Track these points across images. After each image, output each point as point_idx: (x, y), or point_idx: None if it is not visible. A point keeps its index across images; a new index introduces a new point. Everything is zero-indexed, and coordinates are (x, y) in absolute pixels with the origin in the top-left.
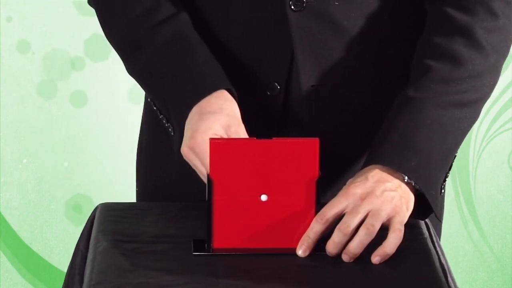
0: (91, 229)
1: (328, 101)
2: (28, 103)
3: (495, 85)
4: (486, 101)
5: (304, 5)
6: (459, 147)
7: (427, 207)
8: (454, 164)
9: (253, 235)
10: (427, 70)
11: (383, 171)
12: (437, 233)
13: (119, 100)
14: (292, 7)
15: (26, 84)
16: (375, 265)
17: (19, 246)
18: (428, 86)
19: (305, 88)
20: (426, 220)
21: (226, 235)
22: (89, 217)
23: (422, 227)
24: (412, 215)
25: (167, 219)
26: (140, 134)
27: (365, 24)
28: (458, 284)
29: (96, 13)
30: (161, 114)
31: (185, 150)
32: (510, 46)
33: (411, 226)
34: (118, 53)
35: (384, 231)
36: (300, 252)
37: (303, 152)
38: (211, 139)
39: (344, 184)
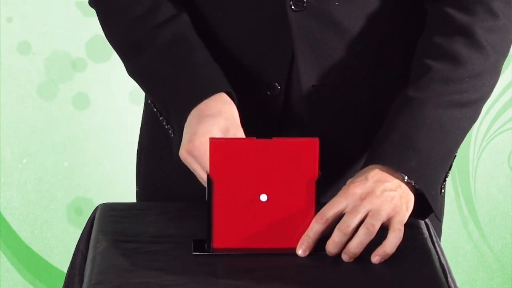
0: (91, 229)
1: (328, 101)
2: (28, 103)
3: (495, 85)
4: (486, 101)
5: (305, 5)
6: (459, 147)
7: (427, 207)
8: (454, 164)
9: (253, 235)
10: (427, 70)
11: (383, 171)
12: (437, 233)
13: (119, 101)
14: (293, 7)
15: (26, 84)
16: (375, 265)
17: (19, 246)
18: (428, 86)
19: (305, 88)
20: (426, 220)
21: (226, 235)
22: (89, 217)
23: (422, 227)
24: (412, 215)
25: (167, 219)
26: (140, 135)
27: (365, 24)
28: (458, 284)
29: (97, 14)
30: (161, 115)
31: (183, 153)
32: (510, 46)
33: (411, 226)
34: (118, 54)
35: (384, 231)
36: (300, 252)
37: (303, 152)
38: (211, 139)
39: (344, 184)
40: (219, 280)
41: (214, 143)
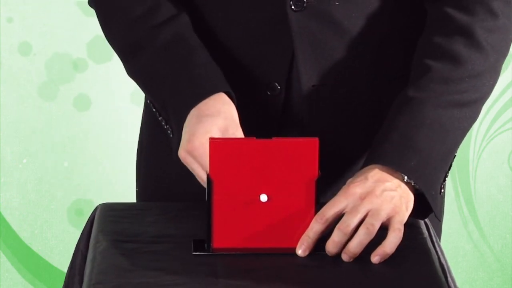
0: (91, 229)
1: (328, 101)
2: (28, 103)
3: (494, 85)
4: (486, 101)
5: (305, 5)
6: (458, 147)
7: (426, 206)
8: (454, 164)
9: (253, 235)
10: (427, 70)
11: (383, 170)
12: (437, 233)
13: (119, 101)
14: (293, 7)
15: (26, 84)
16: (374, 265)
17: (19, 246)
18: (428, 86)
19: (305, 88)
20: (426, 220)
21: (226, 235)
22: (89, 217)
23: (421, 227)
24: (412, 215)
25: (167, 219)
26: (140, 134)
27: (365, 24)
28: (458, 284)
29: (96, 14)
30: (160, 115)
31: (182, 153)
32: (510, 46)
33: (410, 226)
34: (117, 54)
35: (383, 230)
36: (300, 251)
37: (303, 152)
38: (211, 139)
39: (344, 184)
40: (219, 280)
41: (214, 143)
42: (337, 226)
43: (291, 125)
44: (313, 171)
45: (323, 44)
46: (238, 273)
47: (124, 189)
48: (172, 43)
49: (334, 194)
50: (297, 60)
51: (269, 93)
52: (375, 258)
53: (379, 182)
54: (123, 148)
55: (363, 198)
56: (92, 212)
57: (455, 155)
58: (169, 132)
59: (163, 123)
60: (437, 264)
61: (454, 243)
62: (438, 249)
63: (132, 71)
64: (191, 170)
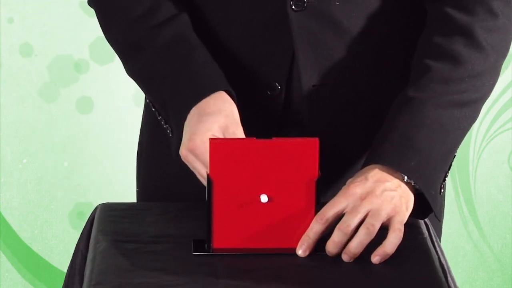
0: (91, 229)
1: (328, 101)
2: (28, 103)
3: (494, 85)
4: (485, 101)
5: (305, 5)
6: (458, 147)
7: (426, 206)
8: (454, 164)
9: (253, 235)
10: (427, 70)
11: (383, 170)
12: (437, 233)
13: (119, 101)
14: (293, 7)
15: (26, 84)
16: (375, 265)
17: (19, 246)
18: (428, 86)
19: (305, 88)
20: (426, 220)
21: (226, 235)
22: (89, 217)
23: (421, 227)
24: (412, 215)
25: (167, 219)
26: (140, 135)
27: (365, 24)
28: (458, 284)
29: (96, 14)
30: (159, 115)
31: (183, 152)
32: (510, 46)
33: (410, 226)
34: (117, 54)
35: (384, 231)
36: (300, 252)
37: (303, 152)
38: (211, 139)
39: (344, 184)
40: (219, 280)
41: (214, 143)
42: (337, 226)
43: (291, 125)
44: (313, 171)
45: (323, 44)
46: (238, 273)
47: (124, 189)
48: (172, 42)
49: (334, 194)
50: (297, 60)
51: (269, 93)
52: (376, 258)
53: (379, 182)
54: (123, 149)
55: (363, 198)
56: (92, 212)
57: (455, 155)
58: (168, 131)
59: (162, 123)
60: (437, 264)
61: (454, 243)
62: (438, 249)
63: (132, 71)
64: (192, 169)
